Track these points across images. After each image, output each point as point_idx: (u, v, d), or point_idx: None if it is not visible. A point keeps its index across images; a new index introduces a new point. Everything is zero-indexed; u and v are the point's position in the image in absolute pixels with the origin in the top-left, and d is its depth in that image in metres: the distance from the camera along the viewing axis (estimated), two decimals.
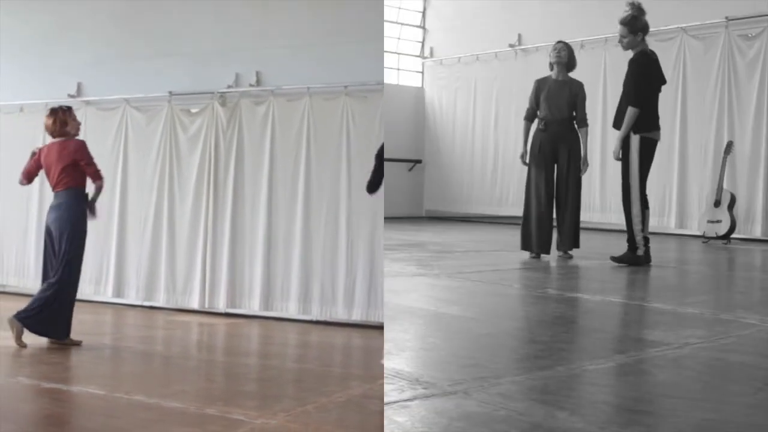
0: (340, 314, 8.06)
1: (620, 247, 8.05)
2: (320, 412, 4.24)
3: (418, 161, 16.62)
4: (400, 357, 3.84)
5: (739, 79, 11.52)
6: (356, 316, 7.99)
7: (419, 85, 16.97)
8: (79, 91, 9.83)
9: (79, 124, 6.44)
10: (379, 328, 8.00)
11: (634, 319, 5.19)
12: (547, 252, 8.31)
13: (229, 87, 8.97)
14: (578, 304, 5.62)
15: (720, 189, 10.96)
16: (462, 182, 15.82)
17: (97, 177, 6.25)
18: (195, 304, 8.81)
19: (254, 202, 8.68)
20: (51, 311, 6.04)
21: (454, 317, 4.96)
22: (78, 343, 6.13)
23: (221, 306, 8.86)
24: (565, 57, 8.44)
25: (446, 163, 16.20)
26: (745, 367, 3.71)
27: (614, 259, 7.77)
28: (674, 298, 5.85)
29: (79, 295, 9.95)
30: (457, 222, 15.43)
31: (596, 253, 8.71)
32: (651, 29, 11.24)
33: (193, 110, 9.08)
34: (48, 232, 6.17)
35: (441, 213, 16.35)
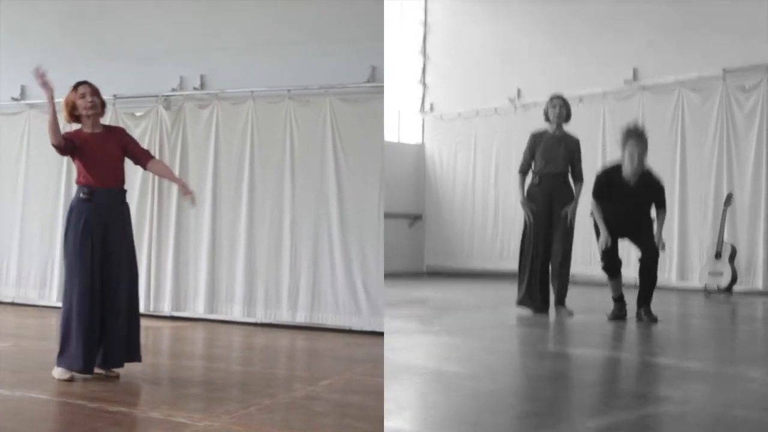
0: (284, 316, 8.05)
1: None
2: (264, 414, 4.27)
3: (419, 216, 16.63)
4: (400, 416, 3.80)
5: (738, 131, 11.57)
6: (300, 318, 7.98)
7: (419, 140, 17.04)
8: (23, 94, 9.87)
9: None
10: (324, 329, 8.12)
11: (636, 374, 5.15)
12: (546, 307, 8.28)
13: (173, 90, 8.99)
14: (579, 360, 5.58)
15: (720, 241, 10.95)
16: (463, 237, 15.81)
17: (150, 156, 5.78)
18: (140, 308, 8.79)
19: (198, 206, 8.68)
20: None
21: (455, 374, 4.93)
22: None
23: (166, 309, 8.84)
24: (564, 115, 8.47)
25: (447, 218, 16.21)
26: (749, 423, 3.68)
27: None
28: (676, 352, 5.81)
29: (24, 300, 10.07)
30: (459, 277, 15.38)
31: (597, 308, 8.66)
32: (649, 82, 11.27)
33: (138, 113, 9.11)
34: (101, 235, 5.52)
35: (442, 268, 16.30)
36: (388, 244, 9.25)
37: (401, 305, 9.20)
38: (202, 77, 9.23)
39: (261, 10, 9.05)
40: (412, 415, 3.90)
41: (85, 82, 5.74)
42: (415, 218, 16.57)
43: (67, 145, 5.49)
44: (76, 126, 5.73)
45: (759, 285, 11.13)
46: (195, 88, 9.06)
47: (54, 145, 5.41)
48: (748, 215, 11.31)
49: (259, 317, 8.37)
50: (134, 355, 5.63)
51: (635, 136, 7.51)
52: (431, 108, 16.89)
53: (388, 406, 3.99)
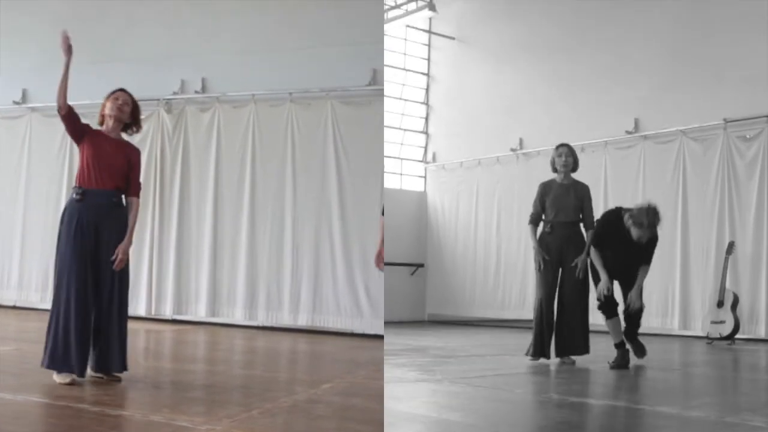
0: (286, 320, 8.01)
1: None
2: (265, 418, 4.28)
3: (421, 265, 16.62)
4: None
5: (739, 180, 11.63)
6: (302, 321, 7.94)
7: (422, 189, 17.09)
8: (24, 97, 9.89)
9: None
10: (326, 333, 8.10)
11: (639, 424, 5.12)
12: (547, 356, 8.21)
13: (174, 93, 9.00)
14: (582, 409, 5.55)
15: (722, 289, 10.94)
16: (464, 286, 15.80)
17: (137, 193, 5.75)
18: (142, 311, 8.79)
19: (200, 209, 8.72)
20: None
21: (455, 424, 4.90)
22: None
23: (168, 313, 8.81)
24: (571, 163, 8.38)
25: (449, 266, 16.20)
26: None
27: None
28: (679, 401, 5.78)
29: (25, 303, 10.04)
30: (460, 326, 15.33)
31: (600, 357, 8.63)
32: (651, 132, 11.29)
33: None
34: (93, 236, 5.51)
35: (444, 317, 16.26)
36: (389, 292, 9.24)
37: (402, 353, 9.17)
38: (203, 80, 9.28)
39: (261, 13, 9.13)
40: None
41: (124, 90, 5.86)
42: (417, 267, 16.57)
43: (76, 124, 5.60)
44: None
45: (761, 333, 11.10)
46: (196, 92, 9.12)
47: (59, 109, 5.51)
48: (750, 263, 11.32)
49: (261, 320, 8.38)
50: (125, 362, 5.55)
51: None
52: (434, 157, 16.96)
53: None
